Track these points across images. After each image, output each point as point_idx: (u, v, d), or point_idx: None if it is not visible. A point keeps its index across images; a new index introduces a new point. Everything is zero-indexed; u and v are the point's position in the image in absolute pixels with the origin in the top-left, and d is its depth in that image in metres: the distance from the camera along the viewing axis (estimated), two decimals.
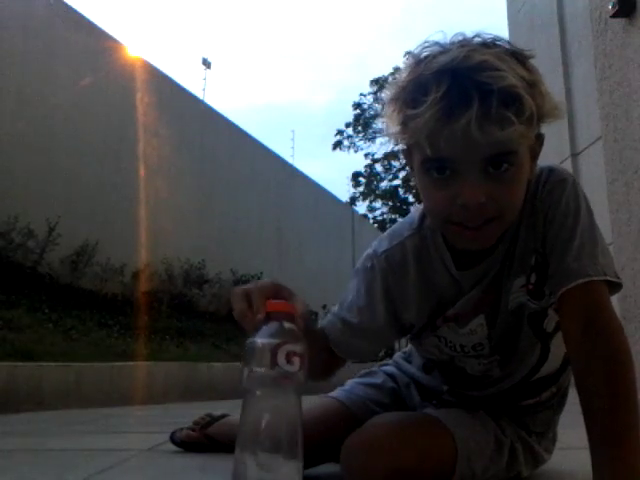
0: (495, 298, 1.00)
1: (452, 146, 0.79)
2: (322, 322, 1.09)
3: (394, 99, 0.84)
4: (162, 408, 3.53)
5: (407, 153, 0.91)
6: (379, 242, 1.06)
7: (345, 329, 1.04)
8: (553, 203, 0.93)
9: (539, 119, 0.83)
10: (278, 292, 0.77)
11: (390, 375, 1.26)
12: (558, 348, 1.05)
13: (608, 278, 0.88)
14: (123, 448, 1.71)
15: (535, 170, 0.92)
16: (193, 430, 1.55)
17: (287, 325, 0.71)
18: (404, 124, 0.82)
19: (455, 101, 0.76)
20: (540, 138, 0.90)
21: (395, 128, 0.85)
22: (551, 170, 0.96)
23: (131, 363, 4.32)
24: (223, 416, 1.53)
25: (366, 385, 1.24)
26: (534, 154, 0.89)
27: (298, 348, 0.69)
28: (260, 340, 0.69)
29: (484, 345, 1.04)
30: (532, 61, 0.84)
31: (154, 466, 1.42)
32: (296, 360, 0.69)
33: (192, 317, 7.36)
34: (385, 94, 0.86)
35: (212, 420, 1.53)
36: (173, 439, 1.57)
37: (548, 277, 0.93)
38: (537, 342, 1.04)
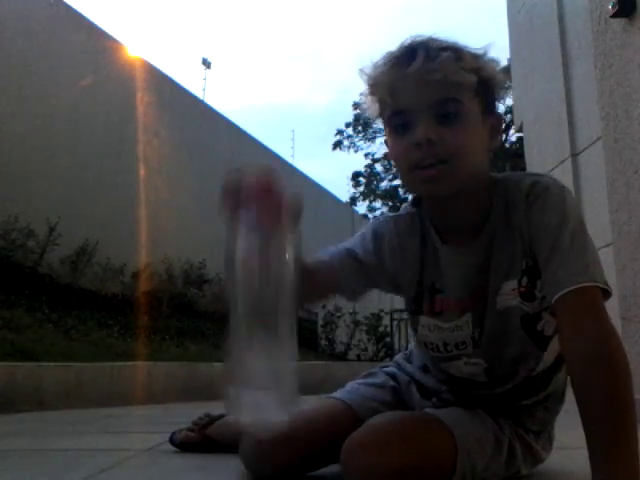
0: (482, 298, 1.03)
1: (405, 93, 0.95)
2: (321, 255, 1.11)
3: (368, 75, 1.01)
4: (162, 408, 3.53)
5: (386, 140, 1.04)
6: (387, 214, 1.18)
7: (348, 256, 1.09)
8: (539, 211, 0.96)
9: (484, 80, 0.97)
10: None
11: (391, 375, 1.26)
12: (551, 348, 1.07)
13: (598, 284, 0.89)
14: (123, 448, 1.71)
15: (497, 144, 1.02)
16: (192, 431, 1.55)
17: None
18: (373, 84, 1.00)
19: (405, 55, 0.95)
20: (498, 116, 1.04)
21: (369, 95, 1.01)
22: (535, 182, 0.99)
23: (131, 363, 4.32)
24: (222, 416, 1.53)
25: (367, 385, 1.24)
26: (494, 131, 1.01)
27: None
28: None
29: (467, 344, 1.07)
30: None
31: (154, 466, 1.42)
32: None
33: (192, 317, 7.35)
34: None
35: (211, 420, 1.53)
36: (172, 440, 1.57)
37: (542, 284, 0.95)
38: (531, 349, 1.05)
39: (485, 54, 0.98)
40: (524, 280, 1.00)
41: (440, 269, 1.06)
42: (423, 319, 1.09)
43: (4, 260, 5.50)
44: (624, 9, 2.48)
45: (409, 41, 0.98)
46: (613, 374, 0.83)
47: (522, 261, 0.99)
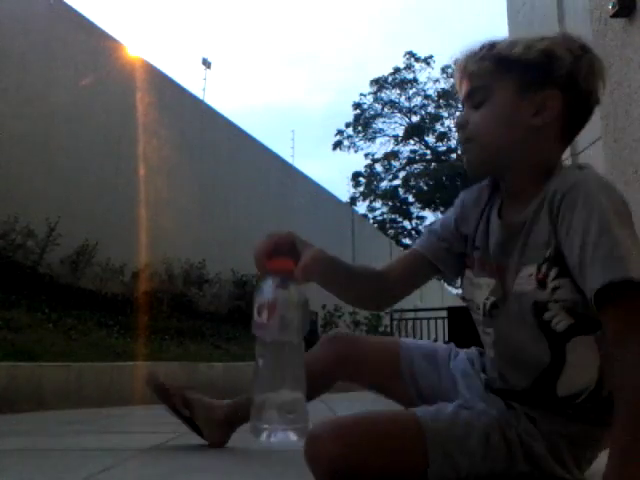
0: (504, 276, 1.09)
1: (456, 82, 1.13)
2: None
3: None
4: (162, 408, 3.52)
5: None
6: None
7: (430, 234, 1.26)
8: (567, 208, 0.97)
9: (511, 61, 1.05)
10: (278, 246, 1.06)
11: (469, 359, 1.31)
12: (582, 362, 1.03)
13: (632, 276, 0.85)
14: (123, 448, 1.70)
15: (545, 120, 1.05)
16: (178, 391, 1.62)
17: (271, 283, 0.90)
18: None
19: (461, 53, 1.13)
20: (549, 93, 1.04)
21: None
22: (576, 173, 1.01)
23: (131, 363, 4.32)
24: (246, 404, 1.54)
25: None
26: (540, 107, 1.04)
27: (266, 301, 0.87)
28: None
29: (480, 309, 1.13)
30: None
31: (154, 466, 1.42)
32: (264, 312, 0.86)
33: (192, 317, 7.35)
34: None
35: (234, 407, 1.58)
36: (155, 380, 1.63)
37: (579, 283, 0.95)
38: (543, 340, 1.03)
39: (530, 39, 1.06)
40: (544, 267, 1.00)
41: (486, 238, 1.15)
42: (467, 272, 1.19)
43: (4, 260, 5.49)
44: (624, 9, 2.48)
45: None
46: None
47: (546, 250, 1.00)
